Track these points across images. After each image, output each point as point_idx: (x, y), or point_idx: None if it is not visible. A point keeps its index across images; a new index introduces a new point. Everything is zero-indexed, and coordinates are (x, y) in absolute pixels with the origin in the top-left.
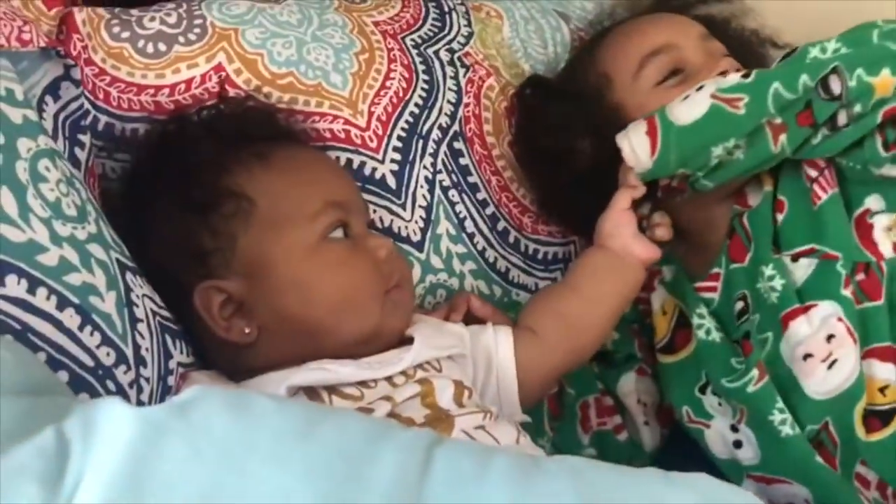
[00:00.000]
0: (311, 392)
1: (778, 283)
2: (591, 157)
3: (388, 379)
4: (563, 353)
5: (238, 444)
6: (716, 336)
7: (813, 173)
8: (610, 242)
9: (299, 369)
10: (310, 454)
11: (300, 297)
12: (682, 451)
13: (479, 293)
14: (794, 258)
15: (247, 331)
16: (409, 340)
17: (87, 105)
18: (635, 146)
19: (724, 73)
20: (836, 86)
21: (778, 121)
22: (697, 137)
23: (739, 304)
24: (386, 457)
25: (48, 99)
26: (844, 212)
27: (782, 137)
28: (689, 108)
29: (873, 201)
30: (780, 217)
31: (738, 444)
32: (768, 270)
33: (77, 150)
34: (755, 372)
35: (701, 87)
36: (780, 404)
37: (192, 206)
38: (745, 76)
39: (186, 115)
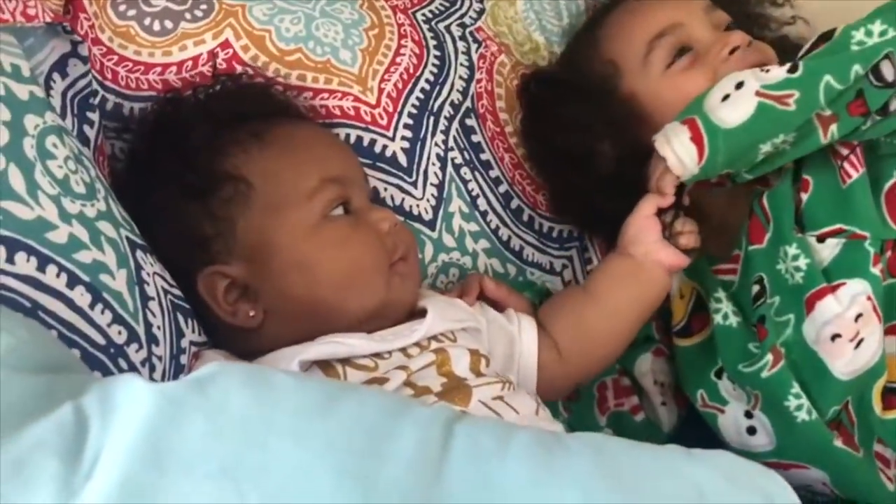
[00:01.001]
0: (325, 365)
1: (803, 262)
2: (613, 159)
3: (402, 350)
4: (580, 364)
5: (257, 420)
6: (733, 321)
7: (844, 151)
8: (632, 249)
9: (311, 344)
10: (329, 430)
11: (304, 277)
12: (699, 433)
13: (493, 272)
14: (821, 238)
15: (251, 314)
16: (421, 313)
17: (95, 85)
18: (681, 155)
19: (734, 51)
20: (888, 72)
21: (828, 112)
22: (746, 138)
23: (755, 288)
24: (406, 432)
25: (56, 76)
26: (871, 192)
27: (832, 128)
28: (735, 109)
29: None
30: (804, 196)
31: (751, 431)
32: (792, 250)
33: (86, 128)
34: (769, 357)
35: (741, 84)
36: (796, 389)
37: (190, 193)
38: (792, 70)
39: (182, 96)
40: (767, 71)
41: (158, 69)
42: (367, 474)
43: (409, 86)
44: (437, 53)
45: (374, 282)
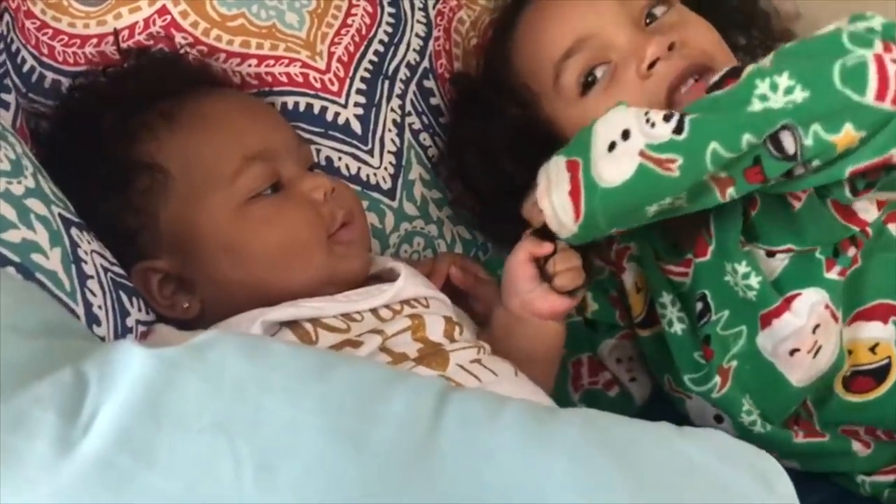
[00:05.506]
0: (294, 325)
1: (754, 280)
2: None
3: (374, 312)
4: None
5: (252, 381)
6: (678, 328)
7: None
8: (507, 301)
9: (274, 307)
10: (322, 392)
11: (235, 262)
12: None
13: (461, 239)
14: (770, 253)
15: (185, 305)
16: (389, 276)
17: (31, 61)
18: (557, 208)
19: (654, 63)
20: (789, 144)
21: (723, 175)
22: (626, 200)
23: (699, 305)
24: (399, 397)
25: None
26: (819, 202)
27: (730, 190)
28: (616, 166)
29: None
30: (752, 212)
31: (718, 419)
32: (742, 268)
33: (1, 111)
34: (717, 379)
35: (627, 134)
36: (747, 407)
37: (107, 186)
38: (677, 130)
39: (89, 81)
40: (653, 125)
41: (94, 41)
42: (359, 433)
43: (362, 48)
44: (392, 10)
45: (311, 254)
